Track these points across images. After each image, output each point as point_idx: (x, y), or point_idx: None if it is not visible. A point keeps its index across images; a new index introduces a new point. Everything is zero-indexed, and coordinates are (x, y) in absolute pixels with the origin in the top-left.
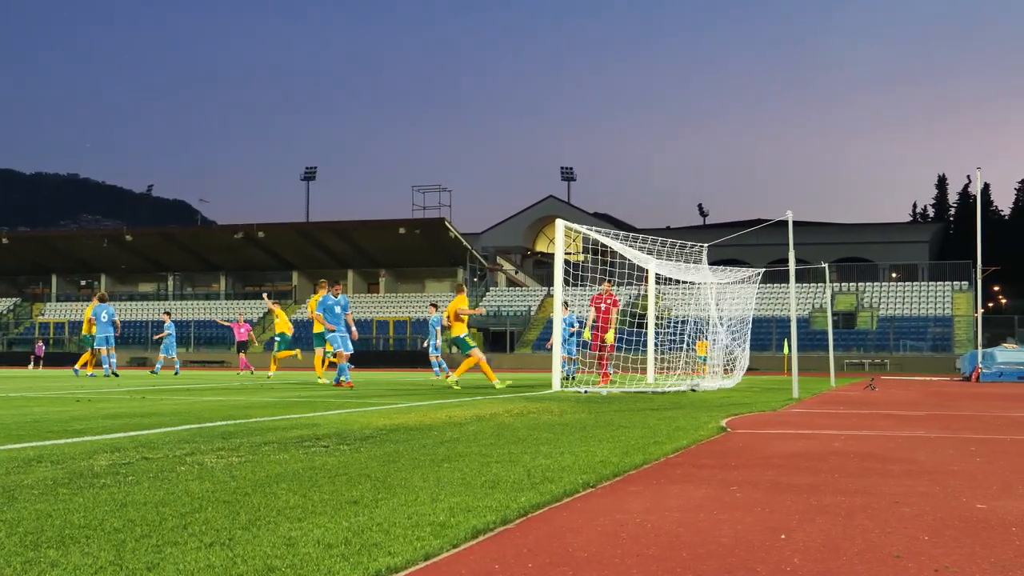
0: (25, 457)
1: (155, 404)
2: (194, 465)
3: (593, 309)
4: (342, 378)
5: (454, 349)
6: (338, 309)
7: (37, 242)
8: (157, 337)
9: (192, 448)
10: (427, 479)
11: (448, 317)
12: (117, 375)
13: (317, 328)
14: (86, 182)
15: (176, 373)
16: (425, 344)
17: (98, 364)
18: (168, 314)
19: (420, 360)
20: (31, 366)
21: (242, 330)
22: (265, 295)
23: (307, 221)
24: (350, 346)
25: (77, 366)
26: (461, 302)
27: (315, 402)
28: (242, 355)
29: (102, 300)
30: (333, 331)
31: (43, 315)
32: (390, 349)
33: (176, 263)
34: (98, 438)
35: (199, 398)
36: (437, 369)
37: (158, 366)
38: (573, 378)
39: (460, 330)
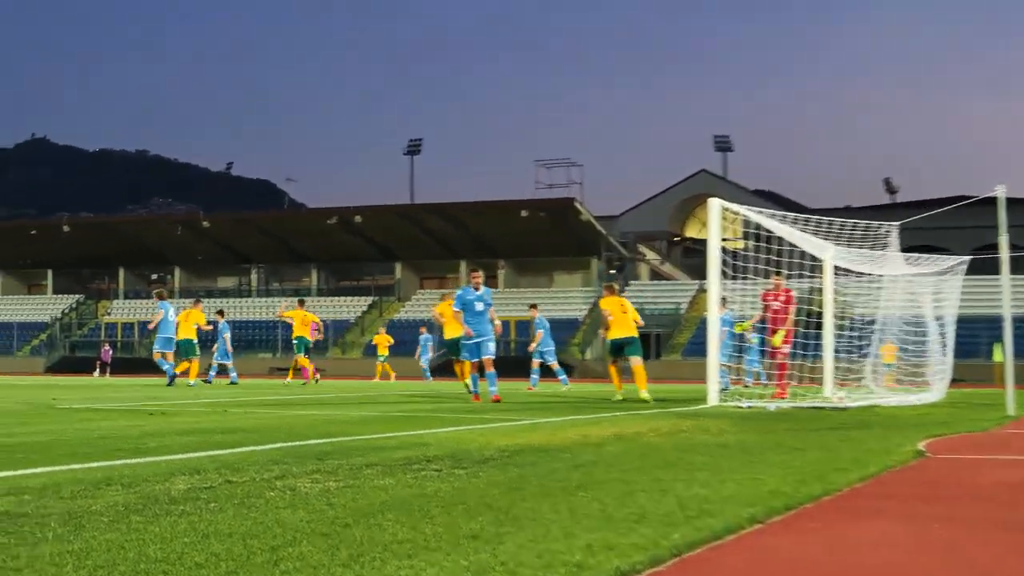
0: (93, 479)
1: (238, 419)
2: (285, 491)
3: (765, 306)
4: (488, 389)
5: (586, 355)
6: (480, 306)
7: (101, 230)
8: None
9: (282, 470)
10: (559, 510)
11: (611, 316)
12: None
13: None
14: (157, 160)
15: (232, 382)
16: (532, 348)
17: (182, 374)
18: (221, 313)
19: (547, 369)
20: (96, 373)
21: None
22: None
23: (411, 203)
24: (490, 349)
25: (191, 378)
26: (618, 304)
27: (423, 417)
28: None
29: (160, 298)
30: (471, 337)
31: (109, 314)
32: (511, 354)
33: (260, 253)
34: (174, 457)
35: (287, 411)
36: (535, 378)
37: (211, 373)
38: (727, 389)
39: (628, 332)
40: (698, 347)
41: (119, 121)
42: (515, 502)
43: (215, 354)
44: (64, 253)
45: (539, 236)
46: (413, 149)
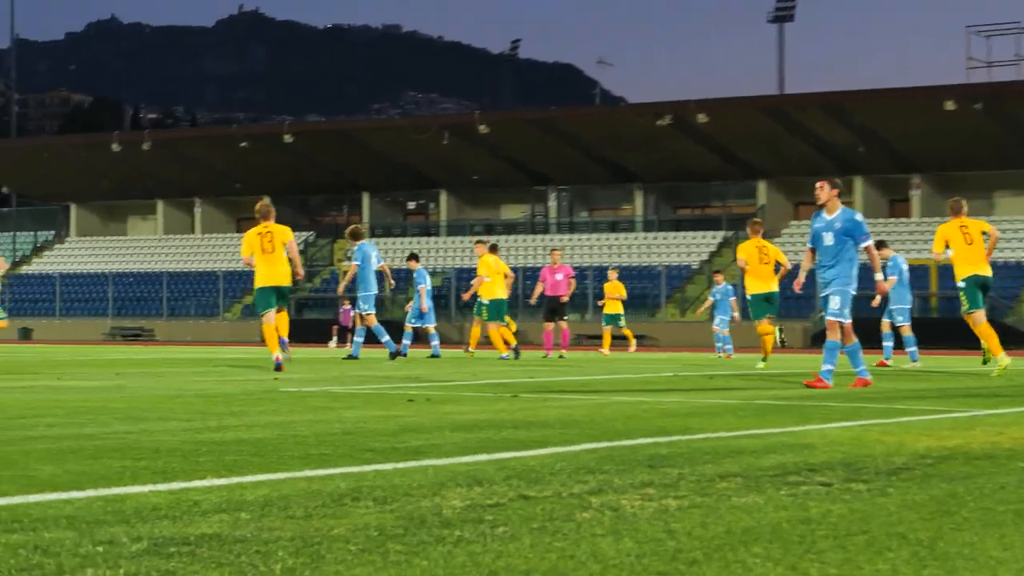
0: (333, 491)
1: (534, 407)
2: (604, 510)
3: None
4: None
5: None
6: (830, 238)
7: (336, 139)
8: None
9: (600, 482)
10: (1011, 546)
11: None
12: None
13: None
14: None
15: (434, 354)
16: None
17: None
18: (415, 258)
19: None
20: (333, 343)
21: (559, 276)
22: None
23: (780, 94)
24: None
25: (471, 346)
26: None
27: (801, 407)
28: (561, 324)
29: (356, 236)
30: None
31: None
32: (932, 316)
33: (560, 170)
34: (447, 462)
35: (601, 398)
36: (888, 348)
37: (406, 342)
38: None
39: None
40: None
41: None
42: (943, 533)
43: (408, 316)
44: (286, 173)
45: (974, 139)
46: (783, 15)
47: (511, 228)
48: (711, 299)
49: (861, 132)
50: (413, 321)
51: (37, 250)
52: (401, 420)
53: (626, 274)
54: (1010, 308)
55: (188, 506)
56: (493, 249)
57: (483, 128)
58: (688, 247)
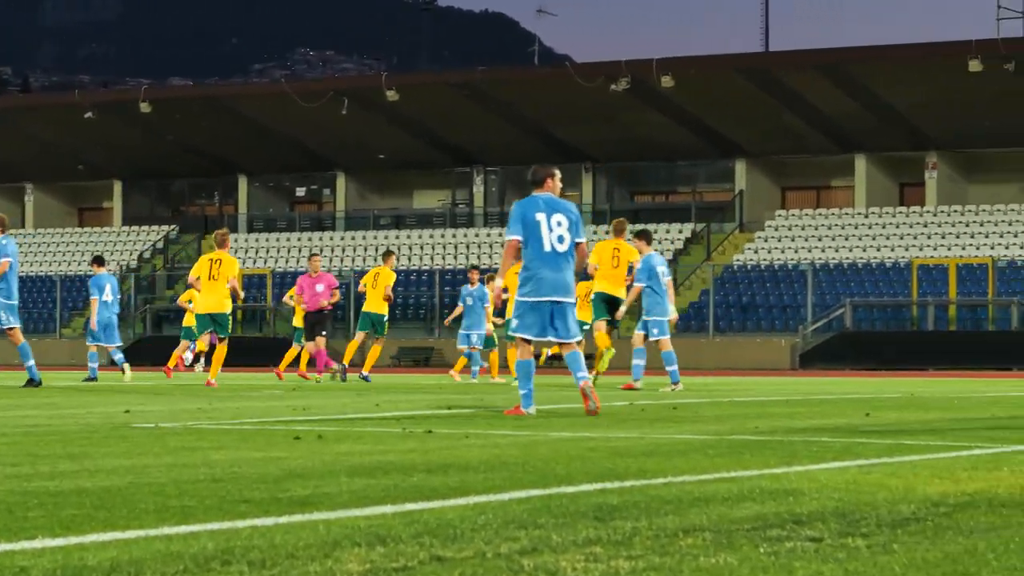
0: (200, 552)
1: (451, 446)
2: (540, 574)
3: None
4: None
5: None
6: None
7: (207, 109)
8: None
9: (534, 539)
10: None
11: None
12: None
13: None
14: None
15: (90, 377)
16: None
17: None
18: (100, 262)
19: (975, 355)
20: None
21: (319, 288)
22: None
23: (764, 51)
24: None
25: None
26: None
27: (787, 444)
28: (319, 340)
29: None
30: None
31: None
32: (949, 329)
33: (489, 147)
34: (342, 515)
35: (536, 433)
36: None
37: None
38: None
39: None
40: None
41: None
42: None
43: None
44: (142, 151)
45: (1003, 107)
46: None
47: (426, 220)
48: (461, 305)
49: (865, 100)
50: (91, 340)
51: None
52: (284, 463)
53: None
54: None
55: (13, 573)
56: (388, 256)
57: (392, 95)
58: (657, 241)
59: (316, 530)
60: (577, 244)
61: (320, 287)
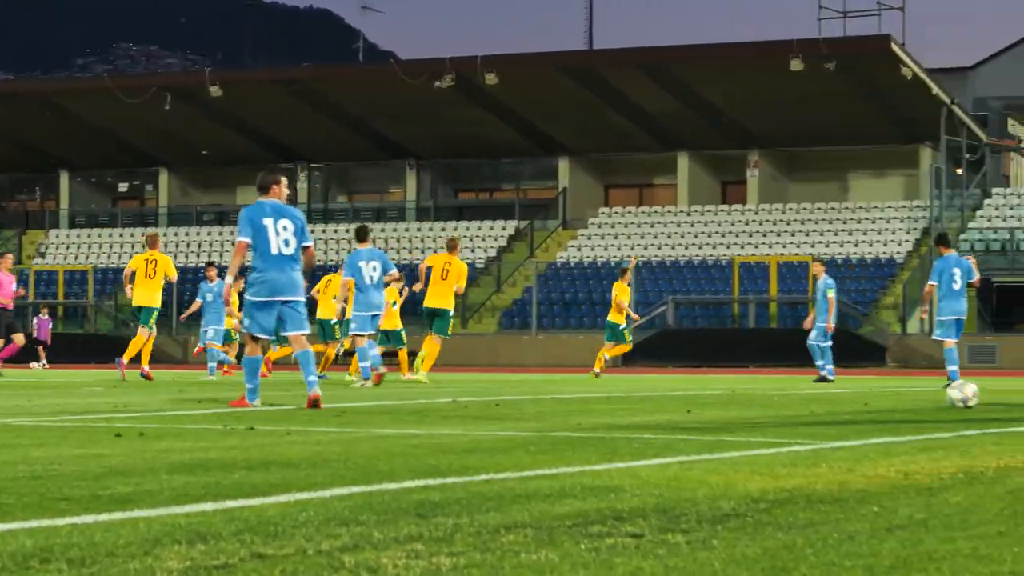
0: (18, 551)
1: (272, 443)
2: (361, 571)
3: None
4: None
5: None
6: None
7: (28, 103)
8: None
9: (355, 536)
10: None
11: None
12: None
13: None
14: None
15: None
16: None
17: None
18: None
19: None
20: (40, 363)
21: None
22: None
23: (588, 50)
24: None
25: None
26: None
27: (608, 440)
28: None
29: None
30: None
31: (43, 255)
32: (770, 326)
33: (313, 143)
34: (163, 512)
35: (361, 429)
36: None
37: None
38: None
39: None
40: None
41: None
42: None
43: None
44: None
45: (824, 107)
46: None
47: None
48: (199, 300)
49: (687, 99)
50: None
51: None
52: (105, 460)
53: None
54: (865, 316)
55: None
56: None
57: (215, 91)
58: (473, 240)
59: (136, 528)
60: (304, 247)
61: (13, 286)
